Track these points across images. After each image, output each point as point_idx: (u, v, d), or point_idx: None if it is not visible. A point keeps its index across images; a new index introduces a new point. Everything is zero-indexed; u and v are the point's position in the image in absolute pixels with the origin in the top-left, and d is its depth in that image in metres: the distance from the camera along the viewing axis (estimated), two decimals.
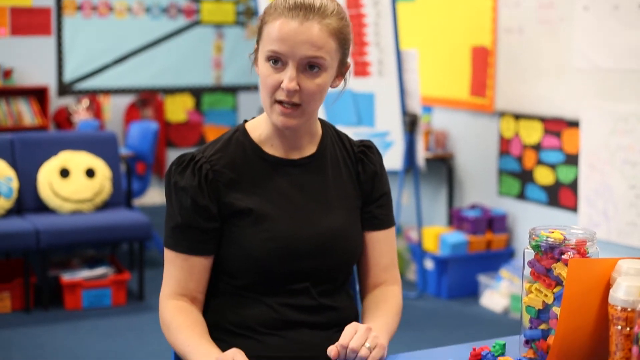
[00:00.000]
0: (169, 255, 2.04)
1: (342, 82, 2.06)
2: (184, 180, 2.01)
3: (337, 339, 1.85)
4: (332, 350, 1.82)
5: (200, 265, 2.03)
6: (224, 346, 1.93)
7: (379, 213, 2.14)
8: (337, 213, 2.07)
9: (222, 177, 2.02)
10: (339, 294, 2.11)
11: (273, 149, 2.06)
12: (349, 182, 2.12)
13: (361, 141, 2.19)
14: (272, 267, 2.00)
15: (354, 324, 1.87)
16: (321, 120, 2.14)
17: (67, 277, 5.49)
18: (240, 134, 2.08)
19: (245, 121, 2.12)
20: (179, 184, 2.01)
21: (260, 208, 2.01)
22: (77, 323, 5.21)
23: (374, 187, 2.14)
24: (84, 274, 5.56)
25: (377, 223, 2.14)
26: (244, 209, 2.01)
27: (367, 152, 2.16)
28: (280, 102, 1.95)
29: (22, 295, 5.42)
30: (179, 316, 2.00)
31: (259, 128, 2.08)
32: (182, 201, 2.01)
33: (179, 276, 2.03)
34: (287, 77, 1.92)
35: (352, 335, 1.83)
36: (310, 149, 2.09)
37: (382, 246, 2.14)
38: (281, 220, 2.02)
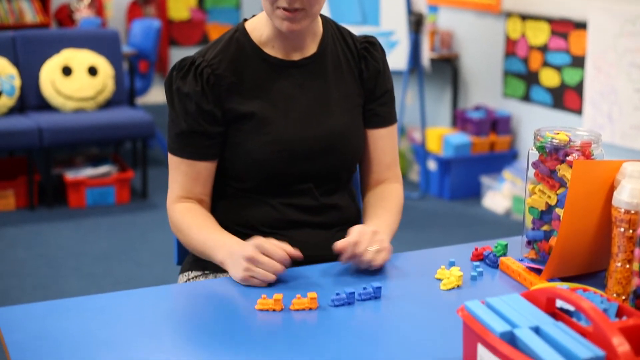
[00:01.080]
0: (173, 161, 2.04)
1: None
2: (187, 85, 1.98)
3: (338, 239, 1.86)
4: (337, 244, 1.83)
5: (205, 170, 2.03)
6: None
7: (381, 111, 2.13)
8: (338, 113, 2.06)
9: (223, 82, 2.00)
10: (341, 193, 2.11)
11: (274, 50, 2.04)
12: (351, 79, 2.10)
13: (364, 37, 2.16)
14: (275, 170, 2.00)
15: (360, 226, 1.87)
16: (322, 17, 2.11)
17: (70, 175, 5.51)
18: (240, 35, 2.05)
19: (245, 20, 2.09)
20: (182, 90, 1.99)
21: (262, 111, 2.00)
22: (81, 221, 5.25)
23: (377, 84, 2.12)
24: (88, 172, 5.58)
25: (379, 120, 2.13)
26: (246, 113, 1.99)
27: (370, 49, 2.13)
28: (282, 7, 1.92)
29: (26, 193, 5.44)
30: (188, 215, 2.00)
31: (259, 28, 2.04)
32: (187, 107, 1.99)
33: (185, 181, 2.03)
34: None
35: (359, 233, 1.84)
36: (311, 49, 2.06)
37: (385, 143, 2.14)
38: (283, 122, 2.01)
